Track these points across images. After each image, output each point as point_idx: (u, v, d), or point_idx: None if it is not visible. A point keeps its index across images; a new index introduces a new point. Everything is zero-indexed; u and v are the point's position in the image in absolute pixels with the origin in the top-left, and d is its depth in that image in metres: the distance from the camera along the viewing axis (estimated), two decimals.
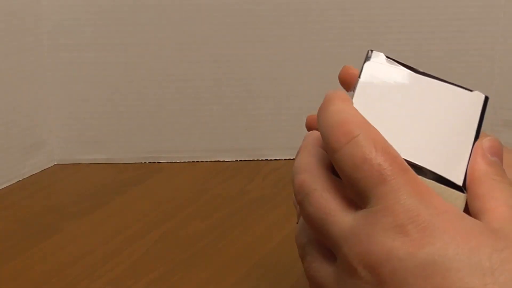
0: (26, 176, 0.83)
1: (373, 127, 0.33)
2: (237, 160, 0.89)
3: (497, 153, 0.34)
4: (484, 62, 0.87)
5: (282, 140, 0.89)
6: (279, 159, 0.89)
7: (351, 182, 0.32)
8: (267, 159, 0.89)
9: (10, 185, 0.81)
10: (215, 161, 0.89)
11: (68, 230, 0.70)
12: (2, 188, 0.80)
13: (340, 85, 0.42)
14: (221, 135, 0.88)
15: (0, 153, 0.80)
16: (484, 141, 0.34)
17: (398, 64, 0.37)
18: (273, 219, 0.71)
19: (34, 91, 0.83)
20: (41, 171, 0.85)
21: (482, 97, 0.37)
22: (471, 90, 0.37)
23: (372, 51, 0.37)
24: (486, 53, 0.86)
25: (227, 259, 0.63)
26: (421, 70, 0.37)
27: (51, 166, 0.87)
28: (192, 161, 0.88)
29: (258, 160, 0.89)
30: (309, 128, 0.42)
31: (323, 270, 0.33)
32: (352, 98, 0.36)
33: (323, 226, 0.32)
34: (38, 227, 0.70)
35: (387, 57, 0.37)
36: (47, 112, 0.85)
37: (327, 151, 0.34)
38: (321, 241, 0.34)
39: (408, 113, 0.34)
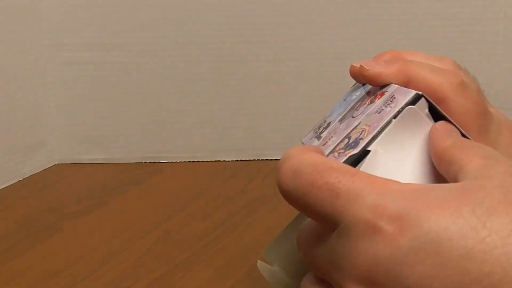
0: (26, 176, 0.83)
1: (312, 154, 0.32)
2: (237, 160, 0.89)
3: (452, 130, 0.34)
4: (484, 62, 0.87)
5: (282, 140, 0.89)
6: (279, 159, 0.89)
7: (311, 212, 0.31)
8: (267, 159, 0.89)
9: (10, 185, 0.81)
10: (215, 161, 0.89)
11: (68, 230, 0.70)
12: (2, 188, 0.80)
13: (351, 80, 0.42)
14: (221, 135, 0.88)
15: (0, 153, 0.80)
16: (437, 125, 0.34)
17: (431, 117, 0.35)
18: (273, 219, 0.71)
19: (34, 91, 0.83)
20: (41, 171, 0.85)
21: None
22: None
23: (422, 96, 0.34)
24: (486, 53, 0.86)
25: (227, 259, 0.63)
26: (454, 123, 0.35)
27: (51, 166, 0.87)
28: (192, 161, 0.88)
29: (258, 160, 0.89)
30: (355, 78, 0.41)
31: (317, 246, 0.32)
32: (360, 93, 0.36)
33: (313, 259, 0.32)
34: (38, 227, 0.70)
35: (430, 107, 0.35)
36: (47, 112, 0.85)
37: (282, 195, 0.33)
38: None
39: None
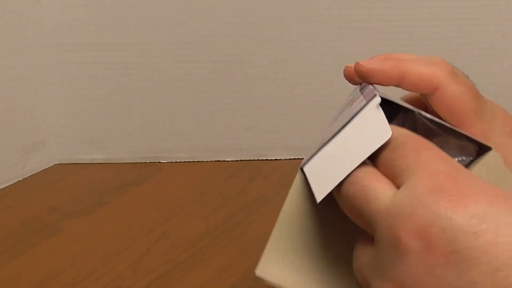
0: (26, 176, 0.83)
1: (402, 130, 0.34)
2: (237, 160, 0.89)
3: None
4: (484, 62, 0.87)
5: (282, 140, 0.89)
6: (279, 159, 0.89)
7: (390, 162, 0.32)
8: (267, 159, 0.89)
9: (10, 185, 0.81)
10: (216, 161, 0.89)
11: (68, 230, 0.70)
12: (2, 188, 0.80)
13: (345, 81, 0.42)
14: (221, 135, 0.88)
15: (0, 153, 0.80)
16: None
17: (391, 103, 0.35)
18: (273, 219, 0.71)
19: (34, 91, 0.83)
20: (41, 171, 0.85)
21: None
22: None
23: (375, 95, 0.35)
24: (487, 53, 0.86)
25: (227, 259, 0.63)
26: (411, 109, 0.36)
27: (51, 166, 0.87)
28: (192, 161, 0.88)
29: (258, 160, 0.89)
30: (348, 78, 0.42)
31: (362, 253, 0.33)
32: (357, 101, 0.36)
33: (365, 204, 0.32)
34: (38, 227, 0.70)
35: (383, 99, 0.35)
36: (47, 112, 0.85)
37: None
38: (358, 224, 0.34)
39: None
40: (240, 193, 0.79)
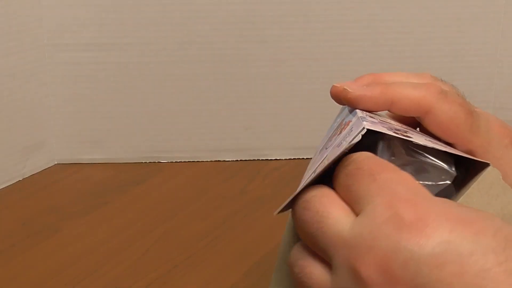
0: (26, 176, 0.83)
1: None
2: (237, 160, 0.89)
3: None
4: (484, 62, 0.87)
5: (282, 140, 0.89)
6: (279, 159, 0.89)
7: (346, 188, 0.32)
8: (267, 159, 0.89)
9: (10, 185, 0.81)
10: (216, 161, 0.89)
11: (68, 230, 0.70)
12: (2, 188, 0.80)
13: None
14: (221, 135, 0.88)
15: (0, 153, 0.80)
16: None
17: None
18: (273, 219, 0.71)
19: (34, 91, 0.83)
20: (41, 171, 0.85)
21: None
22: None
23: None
24: (486, 53, 0.86)
25: (227, 259, 0.63)
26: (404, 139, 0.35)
27: (51, 166, 0.87)
28: (192, 161, 0.88)
29: (258, 160, 0.89)
30: (336, 99, 0.41)
31: (318, 277, 0.32)
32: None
33: (319, 230, 0.31)
34: (38, 227, 0.70)
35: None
36: (47, 112, 0.85)
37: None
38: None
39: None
40: (240, 193, 0.79)
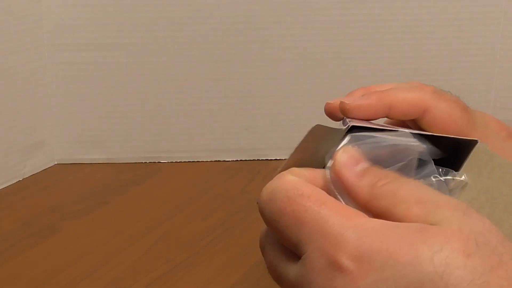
0: (26, 176, 0.83)
1: (289, 178, 0.34)
2: (237, 160, 0.89)
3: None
4: (484, 62, 0.87)
5: (282, 140, 0.89)
6: (279, 159, 0.89)
7: (280, 236, 0.32)
8: (267, 159, 0.89)
9: (10, 185, 0.81)
10: (216, 161, 0.89)
11: (68, 230, 0.70)
12: (2, 188, 0.80)
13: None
14: (221, 135, 0.88)
15: (0, 153, 0.80)
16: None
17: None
18: None
19: (34, 91, 0.83)
20: (41, 171, 0.85)
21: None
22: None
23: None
24: (486, 53, 0.87)
25: (227, 259, 0.63)
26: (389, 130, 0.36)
27: (51, 166, 0.87)
28: (192, 161, 0.88)
29: (258, 160, 0.89)
30: (330, 115, 0.42)
31: None
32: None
33: (278, 279, 0.33)
34: (38, 227, 0.70)
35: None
36: (47, 112, 0.85)
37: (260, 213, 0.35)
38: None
39: None
40: (240, 193, 0.79)
